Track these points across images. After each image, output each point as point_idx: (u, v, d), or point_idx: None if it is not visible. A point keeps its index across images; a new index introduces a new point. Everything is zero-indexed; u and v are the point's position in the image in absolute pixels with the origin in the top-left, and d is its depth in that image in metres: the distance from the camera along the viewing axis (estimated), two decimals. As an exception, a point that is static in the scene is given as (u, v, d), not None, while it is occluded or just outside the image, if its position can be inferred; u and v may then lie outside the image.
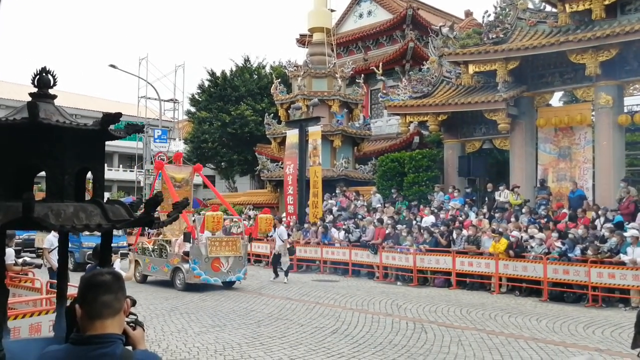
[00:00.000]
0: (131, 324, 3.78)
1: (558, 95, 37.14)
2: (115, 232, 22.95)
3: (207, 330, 15.99)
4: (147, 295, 22.33)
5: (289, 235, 29.84)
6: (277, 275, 27.12)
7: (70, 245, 25.15)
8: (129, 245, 30.88)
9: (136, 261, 25.66)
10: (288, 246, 27.87)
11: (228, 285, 24.29)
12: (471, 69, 31.26)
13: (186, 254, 24.09)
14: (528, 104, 31.21)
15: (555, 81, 30.45)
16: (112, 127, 5.46)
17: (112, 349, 3.31)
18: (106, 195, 34.51)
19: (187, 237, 24.34)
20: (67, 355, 3.32)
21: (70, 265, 27.89)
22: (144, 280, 26.39)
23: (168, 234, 26.46)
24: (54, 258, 17.60)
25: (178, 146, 61.85)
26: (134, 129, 5.97)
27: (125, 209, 5.48)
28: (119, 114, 5.23)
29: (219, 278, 23.75)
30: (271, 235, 29.81)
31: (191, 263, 23.57)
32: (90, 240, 28.61)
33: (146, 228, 33.71)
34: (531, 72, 30.92)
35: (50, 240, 18.77)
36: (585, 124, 29.25)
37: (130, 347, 3.59)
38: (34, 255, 30.57)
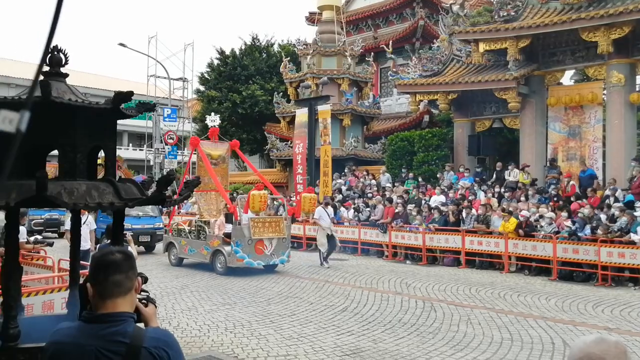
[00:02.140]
0: (143, 301, 3.83)
1: (569, 73, 36.98)
2: (150, 212, 23.05)
3: (217, 308, 16.09)
4: (157, 274, 22.45)
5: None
6: (321, 257, 24.97)
7: (104, 226, 25.03)
8: (165, 226, 29.92)
9: (170, 243, 25.53)
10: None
11: (270, 269, 22.97)
12: (482, 47, 31.16)
13: (227, 235, 22.69)
14: (539, 82, 31.11)
15: (567, 59, 30.32)
16: (123, 105, 5.51)
17: (123, 327, 3.34)
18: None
19: (229, 217, 23.13)
20: (79, 332, 3.36)
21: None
22: (179, 263, 25.15)
23: (205, 214, 25.50)
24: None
25: (187, 126, 61.91)
26: (145, 108, 6.01)
27: (137, 187, 5.53)
28: (131, 93, 5.27)
29: (262, 261, 22.46)
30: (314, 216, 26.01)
31: (233, 245, 22.12)
32: (126, 221, 27.67)
33: (180, 208, 33.91)
34: (542, 50, 30.79)
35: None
36: (596, 103, 29.15)
37: (142, 324, 3.63)
38: (55, 235, 30.48)
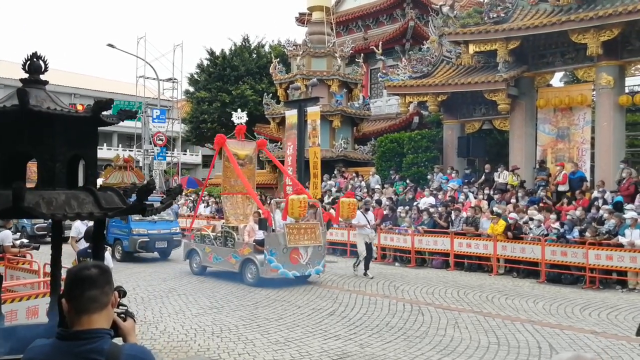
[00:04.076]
0: (121, 315, 3.79)
1: (559, 75, 37.06)
2: (166, 216, 22.72)
3: (204, 312, 16.06)
4: (145, 277, 22.39)
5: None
6: (364, 267, 23.00)
7: (118, 232, 25.00)
8: (183, 230, 29.11)
9: (192, 250, 23.65)
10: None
11: (302, 280, 21.30)
12: (471, 48, 31.16)
13: (258, 243, 20.87)
14: (528, 84, 31.12)
15: (556, 61, 30.34)
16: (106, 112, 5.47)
17: (99, 344, 3.30)
18: (100, 175, 34.04)
19: (263, 223, 20.97)
20: (53, 350, 3.33)
21: (117, 255, 26.89)
22: (202, 271, 23.21)
23: (232, 219, 23.43)
24: (81, 247, 15.74)
25: (176, 126, 61.83)
26: (127, 115, 5.98)
27: (119, 196, 5.49)
28: (111, 101, 5.24)
29: (297, 271, 20.73)
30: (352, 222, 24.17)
31: (267, 254, 20.32)
32: (140, 227, 27.32)
33: (200, 211, 33.66)
34: (532, 52, 30.80)
35: (77, 227, 17.02)
36: (585, 105, 29.15)
37: (120, 339, 3.60)
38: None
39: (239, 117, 33.90)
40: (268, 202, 24.95)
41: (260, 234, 21.26)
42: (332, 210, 25.39)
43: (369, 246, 23.28)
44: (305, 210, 21.52)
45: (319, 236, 21.57)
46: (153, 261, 27.37)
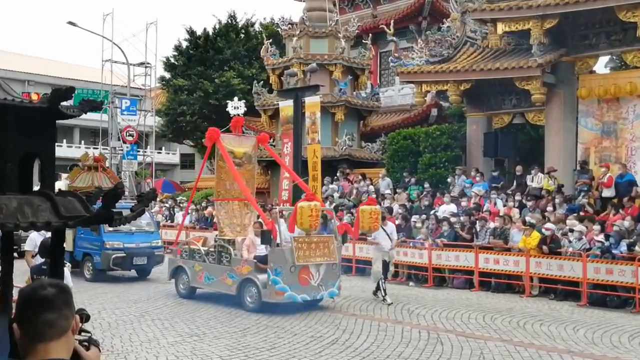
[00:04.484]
0: (84, 343, 3.78)
1: (604, 60, 36.99)
2: (145, 227, 22.48)
3: (182, 339, 16.06)
4: (112, 298, 22.38)
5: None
6: (382, 292, 21.99)
7: (87, 246, 24.64)
8: (166, 244, 28.52)
9: (178, 267, 22.96)
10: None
11: (312, 305, 20.46)
12: (500, 28, 31.12)
13: (260, 260, 20.18)
14: (568, 70, 31.10)
15: (601, 43, 30.29)
16: (67, 102, 5.46)
17: None
18: (65, 177, 34.03)
19: (267, 236, 19.68)
20: None
21: (87, 274, 26.66)
22: (191, 294, 22.54)
23: (227, 230, 22.43)
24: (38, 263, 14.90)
25: (150, 120, 61.83)
26: (91, 106, 5.95)
27: (81, 202, 5.47)
28: (72, 89, 5.20)
29: (308, 295, 19.82)
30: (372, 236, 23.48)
31: (271, 273, 19.35)
32: (115, 239, 26.62)
33: (178, 220, 33.25)
34: (572, 33, 30.77)
35: (34, 240, 15.77)
36: (635, 95, 29.05)
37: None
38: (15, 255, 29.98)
39: (236, 107, 33.66)
40: (270, 209, 24.45)
41: (262, 249, 20.62)
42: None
43: (385, 265, 22.69)
44: (318, 220, 20.66)
45: (333, 252, 20.67)
46: (125, 280, 27.20)
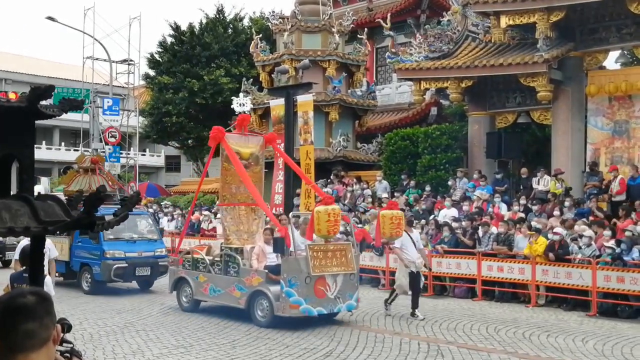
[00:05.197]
0: (66, 354, 3.79)
1: (614, 55, 37.04)
2: (147, 234, 24.94)
3: (168, 352, 16.08)
4: (94, 308, 22.36)
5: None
6: (413, 308, 20.99)
7: (86, 255, 25.61)
8: (170, 252, 27.63)
9: (181, 278, 22.28)
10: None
11: (327, 319, 19.83)
12: (504, 21, 31.14)
13: (271, 270, 19.44)
14: (576, 66, 31.16)
15: (611, 37, 30.34)
16: (47, 101, 5.47)
17: None
18: (45, 180, 34.00)
19: (280, 244, 18.98)
20: None
21: (85, 285, 26.16)
22: (195, 307, 21.81)
23: (233, 238, 21.72)
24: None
25: (133, 120, 61.73)
26: (72, 105, 5.96)
27: (61, 206, 5.48)
28: (51, 88, 5.21)
29: (324, 308, 19.10)
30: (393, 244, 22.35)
31: (285, 285, 18.70)
32: (116, 248, 25.81)
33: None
34: (580, 26, 30.83)
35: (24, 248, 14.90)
36: (647, 92, 29.17)
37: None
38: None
39: (242, 104, 33.47)
40: (278, 215, 23.58)
41: (272, 258, 19.90)
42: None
43: (415, 276, 21.19)
44: (337, 226, 20.00)
45: (351, 261, 19.96)
46: (126, 293, 26.66)
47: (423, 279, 22.46)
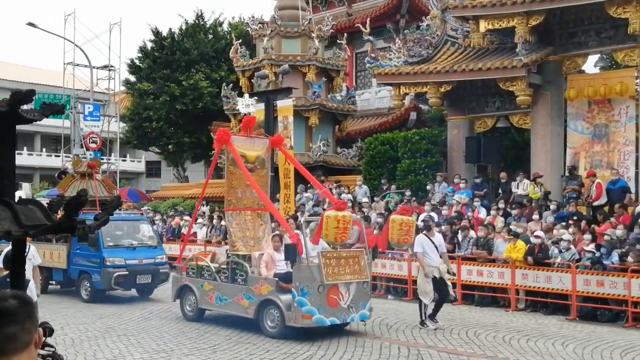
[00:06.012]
0: (47, 358, 3.78)
1: (593, 59, 37.09)
2: (147, 240, 24.79)
3: (150, 356, 16.09)
4: (75, 313, 22.29)
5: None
6: (423, 314, 20.26)
7: (85, 263, 24.47)
8: (172, 260, 27.09)
9: (184, 286, 21.49)
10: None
11: (338, 327, 19.12)
12: (483, 25, 31.11)
13: (281, 278, 18.73)
14: (555, 70, 31.20)
15: (590, 41, 30.32)
16: (28, 106, 5.45)
17: None
18: (27, 186, 33.75)
19: (291, 252, 18.22)
20: None
21: (84, 294, 25.42)
22: (199, 316, 21.11)
23: (239, 244, 21.08)
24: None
25: (114, 126, 61.52)
26: (53, 110, 5.94)
27: (43, 210, 5.46)
28: (32, 92, 5.20)
29: (337, 317, 18.36)
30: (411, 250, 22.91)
31: (297, 294, 17.88)
32: (116, 255, 25.12)
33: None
34: (559, 30, 30.83)
35: (7, 253, 14.28)
36: (627, 96, 29.11)
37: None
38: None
39: (247, 105, 33.20)
40: (288, 219, 23.14)
41: (282, 266, 19.31)
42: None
43: (439, 282, 20.38)
44: (346, 234, 19.37)
45: (364, 268, 19.16)
46: (125, 301, 25.97)
47: (451, 286, 21.45)
